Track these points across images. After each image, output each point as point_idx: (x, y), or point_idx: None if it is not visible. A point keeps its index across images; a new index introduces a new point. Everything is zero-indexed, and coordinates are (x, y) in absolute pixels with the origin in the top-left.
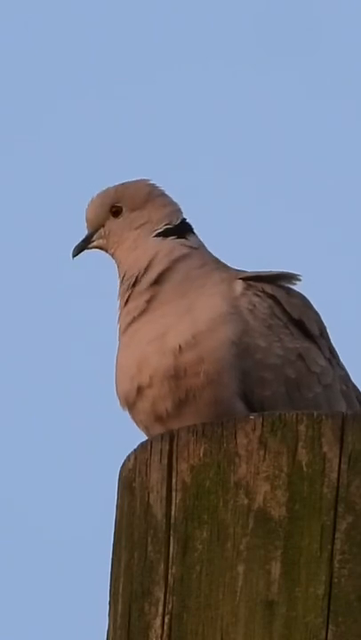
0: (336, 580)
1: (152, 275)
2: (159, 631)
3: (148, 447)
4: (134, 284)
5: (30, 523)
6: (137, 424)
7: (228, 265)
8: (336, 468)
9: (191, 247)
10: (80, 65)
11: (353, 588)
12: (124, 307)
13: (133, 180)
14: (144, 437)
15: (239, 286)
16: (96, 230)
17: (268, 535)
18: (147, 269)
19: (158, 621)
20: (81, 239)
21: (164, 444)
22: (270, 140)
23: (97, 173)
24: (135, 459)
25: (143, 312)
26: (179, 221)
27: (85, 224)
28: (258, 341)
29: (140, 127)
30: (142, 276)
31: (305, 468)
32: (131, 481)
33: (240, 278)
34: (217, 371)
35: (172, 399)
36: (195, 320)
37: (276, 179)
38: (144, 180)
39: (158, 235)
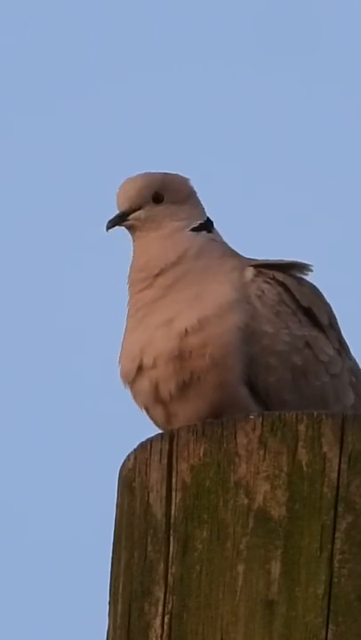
0: (336, 580)
1: (178, 271)
2: (159, 631)
3: (148, 447)
4: (157, 274)
5: (30, 523)
6: (137, 404)
7: (244, 256)
8: (336, 468)
9: (215, 240)
10: (80, 64)
11: (353, 587)
12: (137, 292)
13: (174, 173)
14: (144, 437)
15: (250, 273)
16: (134, 210)
17: (268, 535)
18: (175, 264)
19: (158, 621)
20: (116, 214)
21: (163, 443)
22: (270, 140)
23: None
24: (135, 458)
25: (156, 299)
26: (205, 218)
27: (121, 200)
28: (265, 327)
29: (140, 127)
30: (169, 269)
31: (305, 468)
32: (131, 480)
33: (251, 265)
34: (222, 354)
35: (175, 381)
36: (202, 306)
37: (275, 178)
38: (186, 177)
39: (192, 229)
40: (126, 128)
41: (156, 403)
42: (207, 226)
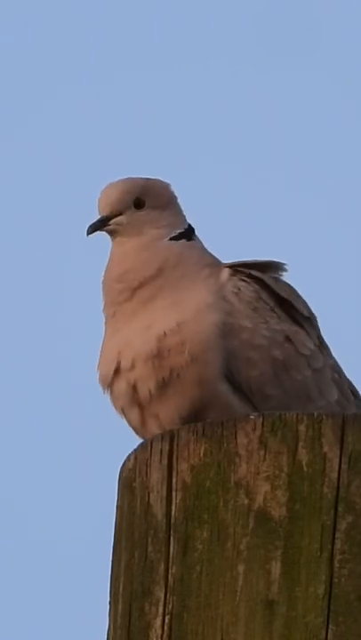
0: (336, 580)
1: (157, 284)
2: (159, 631)
3: (149, 447)
4: (136, 287)
5: (31, 523)
6: (115, 408)
7: (222, 261)
8: (336, 468)
9: (194, 247)
10: (79, 64)
11: (353, 587)
12: (116, 304)
13: (155, 178)
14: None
15: (225, 273)
16: (115, 215)
17: (268, 535)
18: (153, 277)
19: (158, 621)
20: (97, 219)
21: (164, 443)
22: (270, 140)
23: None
24: (135, 459)
25: (135, 311)
26: (186, 225)
27: (102, 205)
28: (243, 322)
29: (140, 127)
30: (148, 282)
31: (305, 468)
32: (131, 481)
33: (227, 266)
34: (201, 350)
35: (155, 379)
36: (180, 311)
37: (275, 178)
38: (166, 183)
39: (171, 239)
40: (125, 128)
41: (132, 405)
42: (187, 234)
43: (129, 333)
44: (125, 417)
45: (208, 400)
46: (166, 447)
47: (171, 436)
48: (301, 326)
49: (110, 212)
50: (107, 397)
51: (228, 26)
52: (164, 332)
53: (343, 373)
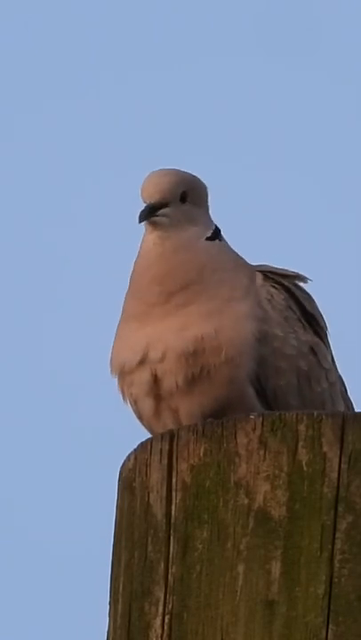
0: (336, 580)
1: (196, 289)
2: (159, 631)
3: (148, 447)
4: (174, 291)
5: (31, 523)
6: (124, 394)
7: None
8: (336, 468)
9: (227, 250)
10: (79, 63)
11: (353, 587)
12: (149, 305)
13: (197, 176)
14: (144, 437)
15: (259, 279)
16: (162, 205)
17: (268, 535)
18: (193, 282)
19: (158, 621)
20: (146, 206)
21: (164, 443)
22: (270, 140)
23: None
24: (135, 459)
25: (170, 313)
26: (214, 226)
27: (151, 192)
28: (275, 330)
29: (139, 127)
30: (188, 286)
31: (305, 468)
32: (131, 481)
33: (258, 271)
34: (238, 353)
35: (184, 374)
36: (218, 319)
37: (275, 178)
38: (202, 180)
39: (207, 239)
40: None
41: (148, 395)
42: (218, 234)
43: (161, 330)
44: (135, 405)
45: (233, 401)
46: (166, 447)
47: (170, 436)
48: (321, 338)
49: (160, 200)
50: (114, 383)
51: (229, 26)
52: (202, 336)
53: (345, 387)
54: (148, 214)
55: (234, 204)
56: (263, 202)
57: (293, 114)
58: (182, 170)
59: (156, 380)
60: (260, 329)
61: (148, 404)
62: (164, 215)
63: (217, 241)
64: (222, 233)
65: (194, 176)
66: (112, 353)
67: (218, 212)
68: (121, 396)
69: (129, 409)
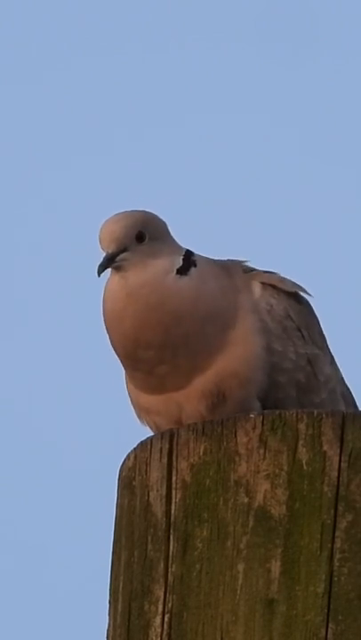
0: (336, 579)
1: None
2: (159, 630)
3: (148, 446)
4: (165, 348)
5: (31, 522)
6: (142, 420)
7: (230, 266)
8: (336, 467)
9: (206, 279)
10: (78, 63)
11: (353, 586)
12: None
13: (148, 211)
14: (144, 437)
15: (257, 288)
16: (121, 251)
17: (268, 534)
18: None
19: (158, 620)
20: (104, 257)
21: (163, 442)
22: (270, 140)
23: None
24: (135, 457)
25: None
26: (184, 250)
27: (107, 242)
28: (274, 344)
29: (138, 127)
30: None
31: (305, 467)
32: (131, 479)
33: (255, 280)
34: (250, 371)
35: (205, 404)
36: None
37: (275, 178)
38: (154, 213)
39: (178, 270)
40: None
41: (170, 424)
42: (189, 258)
43: (177, 397)
44: (155, 427)
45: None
46: (166, 446)
47: (170, 435)
48: (321, 347)
49: (117, 248)
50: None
51: (228, 25)
52: (216, 372)
53: (345, 384)
54: (107, 264)
55: (234, 204)
56: (263, 202)
57: (293, 114)
58: (132, 210)
59: (180, 413)
60: (263, 345)
61: (166, 426)
62: (123, 260)
63: (192, 269)
64: (195, 252)
65: (146, 212)
66: (136, 413)
67: (218, 212)
68: (138, 419)
69: (145, 427)
